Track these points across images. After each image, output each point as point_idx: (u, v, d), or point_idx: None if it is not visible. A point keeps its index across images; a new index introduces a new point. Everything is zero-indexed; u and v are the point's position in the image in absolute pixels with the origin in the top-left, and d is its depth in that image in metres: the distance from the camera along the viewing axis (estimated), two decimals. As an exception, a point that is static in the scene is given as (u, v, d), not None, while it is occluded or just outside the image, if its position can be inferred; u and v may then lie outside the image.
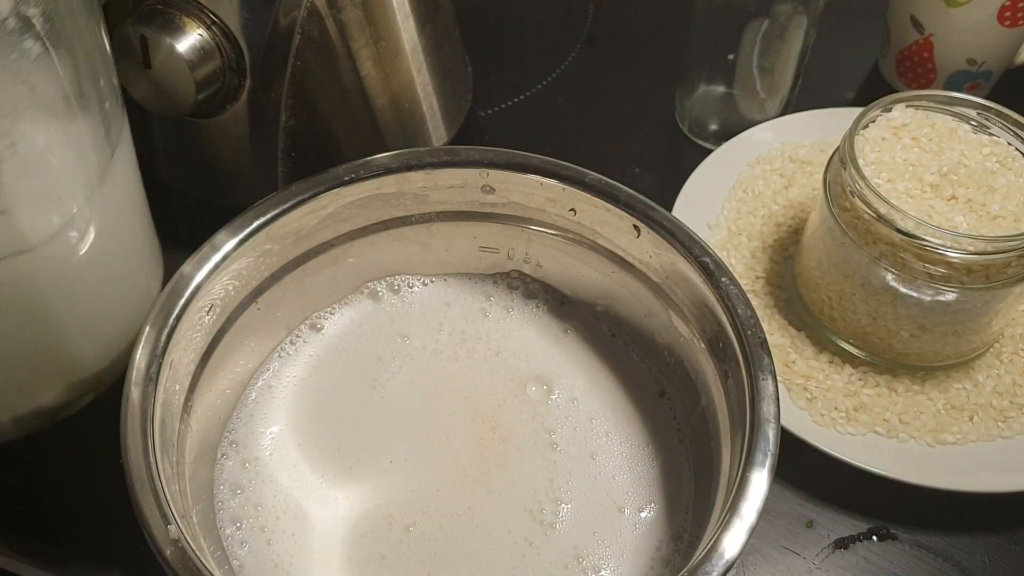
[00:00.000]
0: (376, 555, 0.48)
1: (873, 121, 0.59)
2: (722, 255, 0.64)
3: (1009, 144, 0.57)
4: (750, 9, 0.67)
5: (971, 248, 0.52)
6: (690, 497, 0.50)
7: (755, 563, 0.54)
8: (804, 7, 0.67)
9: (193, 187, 0.66)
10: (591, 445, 0.52)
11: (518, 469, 0.51)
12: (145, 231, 0.56)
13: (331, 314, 0.56)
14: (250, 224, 0.49)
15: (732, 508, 0.41)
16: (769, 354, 0.46)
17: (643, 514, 0.50)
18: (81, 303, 0.49)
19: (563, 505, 0.50)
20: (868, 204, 0.54)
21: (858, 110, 0.58)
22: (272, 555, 0.47)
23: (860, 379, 0.60)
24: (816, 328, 0.62)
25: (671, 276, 0.51)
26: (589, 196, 0.52)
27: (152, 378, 0.44)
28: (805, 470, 0.56)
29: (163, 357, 0.44)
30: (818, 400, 0.58)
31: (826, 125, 0.72)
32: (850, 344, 0.61)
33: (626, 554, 0.48)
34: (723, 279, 0.49)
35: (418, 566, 0.47)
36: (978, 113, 0.58)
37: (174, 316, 0.46)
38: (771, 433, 0.44)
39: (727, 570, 0.39)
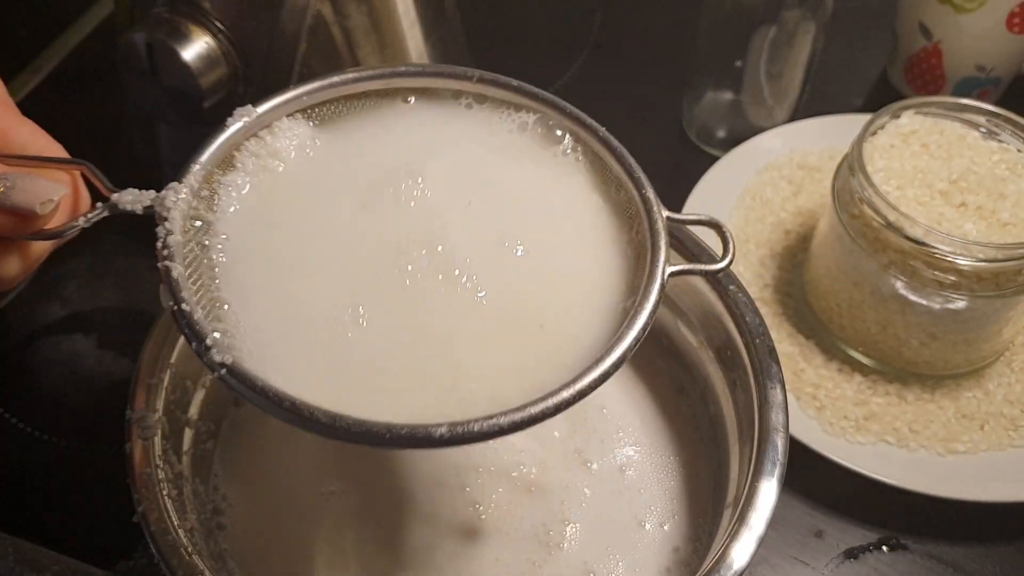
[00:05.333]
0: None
1: (882, 128, 0.58)
2: (730, 263, 0.64)
3: (1019, 151, 0.57)
4: (758, 15, 0.67)
5: (981, 255, 0.52)
6: (708, 500, 0.50)
7: (764, 573, 0.54)
8: (812, 13, 0.67)
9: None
10: (621, 457, 0.52)
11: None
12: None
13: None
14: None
15: (740, 518, 0.41)
16: (778, 362, 0.46)
17: (665, 527, 0.49)
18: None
19: (569, 526, 0.49)
20: (877, 211, 0.54)
21: (867, 117, 0.58)
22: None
23: (870, 388, 0.59)
24: (825, 336, 0.62)
25: (678, 283, 0.51)
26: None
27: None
28: (814, 479, 0.56)
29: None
30: (827, 409, 0.58)
31: (835, 132, 0.72)
32: (860, 352, 0.60)
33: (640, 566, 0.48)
34: (731, 287, 0.48)
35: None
36: (987, 120, 0.58)
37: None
38: (780, 442, 0.43)
39: (735, 581, 0.39)
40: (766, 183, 0.70)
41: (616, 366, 0.36)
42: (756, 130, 0.73)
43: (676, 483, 0.51)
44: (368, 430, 0.33)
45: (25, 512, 0.55)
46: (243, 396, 0.34)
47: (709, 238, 0.65)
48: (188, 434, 0.48)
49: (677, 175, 0.74)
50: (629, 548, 0.48)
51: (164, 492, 0.42)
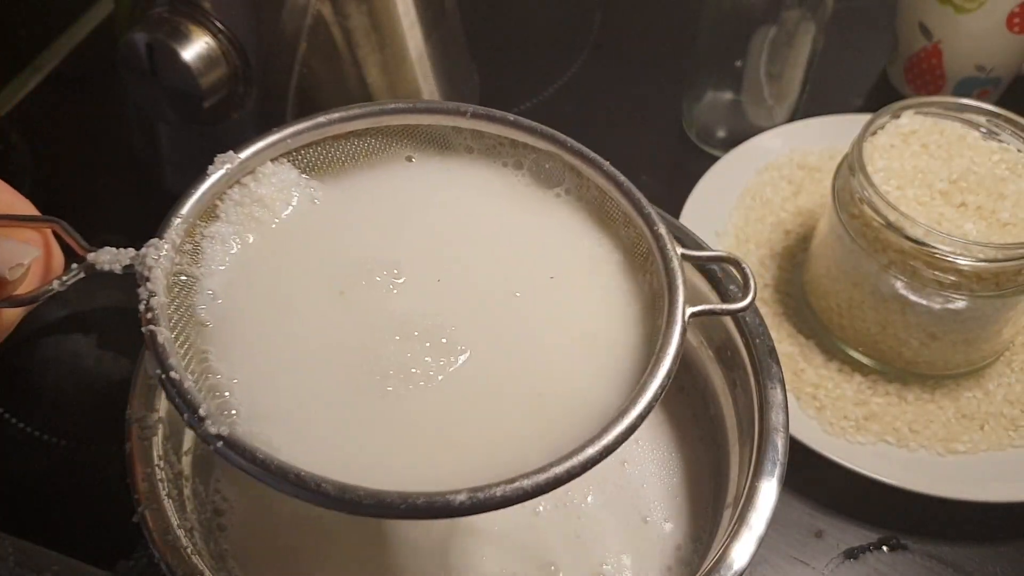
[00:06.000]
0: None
1: (882, 128, 0.58)
2: (730, 263, 0.64)
3: (1019, 151, 0.57)
4: (758, 16, 0.67)
5: (981, 255, 0.52)
6: (708, 500, 0.50)
7: (764, 573, 0.54)
8: (812, 13, 0.67)
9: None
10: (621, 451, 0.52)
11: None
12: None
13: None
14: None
15: (741, 518, 0.41)
16: (778, 362, 0.46)
17: (667, 524, 0.49)
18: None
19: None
20: (877, 211, 0.54)
21: (867, 117, 0.58)
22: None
23: (870, 388, 0.59)
24: (825, 336, 0.62)
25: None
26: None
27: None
28: (814, 480, 0.56)
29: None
30: (827, 409, 0.58)
31: (835, 132, 0.72)
32: (859, 352, 0.60)
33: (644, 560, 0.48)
34: (731, 287, 0.48)
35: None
36: (987, 120, 0.58)
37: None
38: (780, 442, 0.43)
39: (736, 581, 0.39)
40: (766, 183, 0.70)
41: (642, 417, 0.34)
42: (756, 130, 0.73)
43: (677, 482, 0.51)
44: (381, 501, 0.31)
45: (25, 512, 0.55)
46: (243, 470, 0.31)
47: (709, 238, 0.66)
48: (188, 434, 0.48)
49: (677, 175, 0.75)
50: (634, 544, 0.48)
51: (164, 492, 0.42)
